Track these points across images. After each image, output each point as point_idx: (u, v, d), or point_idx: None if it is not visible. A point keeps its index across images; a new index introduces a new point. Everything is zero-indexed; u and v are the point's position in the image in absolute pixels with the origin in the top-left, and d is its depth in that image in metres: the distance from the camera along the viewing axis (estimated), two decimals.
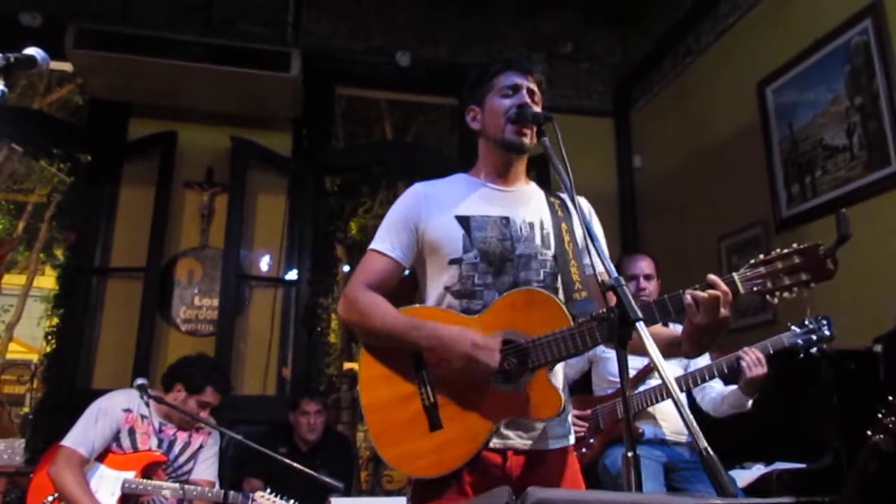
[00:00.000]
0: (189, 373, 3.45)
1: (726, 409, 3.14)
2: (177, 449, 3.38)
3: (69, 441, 3.17)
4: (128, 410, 3.32)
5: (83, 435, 3.19)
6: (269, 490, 3.21)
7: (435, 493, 1.81)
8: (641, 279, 3.46)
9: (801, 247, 1.65)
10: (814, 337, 2.79)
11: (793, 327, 2.86)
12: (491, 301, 1.86)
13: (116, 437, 3.27)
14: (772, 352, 2.91)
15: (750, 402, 3.02)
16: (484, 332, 1.82)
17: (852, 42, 3.75)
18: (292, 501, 3.20)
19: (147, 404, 3.37)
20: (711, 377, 3.06)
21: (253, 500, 3.18)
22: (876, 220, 3.54)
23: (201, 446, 3.47)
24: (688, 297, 1.66)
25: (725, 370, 2.98)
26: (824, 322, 2.80)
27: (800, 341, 2.82)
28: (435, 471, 1.80)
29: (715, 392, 3.26)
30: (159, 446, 3.34)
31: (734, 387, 3.08)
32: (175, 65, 4.74)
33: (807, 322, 2.82)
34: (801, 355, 2.83)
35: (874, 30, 3.60)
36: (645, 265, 3.51)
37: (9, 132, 5.33)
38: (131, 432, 3.30)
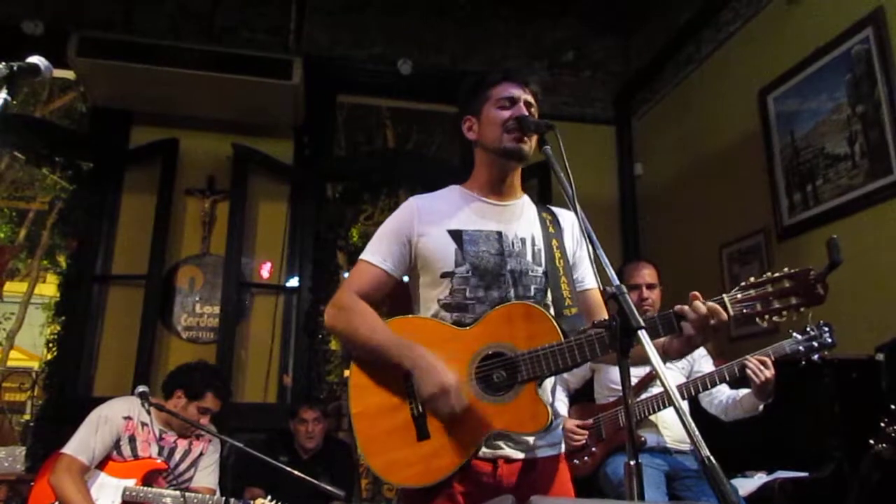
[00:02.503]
0: (189, 379, 3.46)
1: (739, 412, 3.12)
2: (177, 456, 3.38)
3: (70, 449, 3.17)
4: (128, 418, 3.32)
5: (83, 443, 3.19)
6: (269, 497, 3.21)
7: (424, 502, 1.80)
8: (644, 289, 3.44)
9: (792, 271, 1.65)
10: (815, 344, 2.78)
11: (794, 334, 2.85)
12: (482, 315, 1.87)
13: (117, 445, 3.27)
14: (773, 358, 2.89)
15: (762, 406, 3.00)
16: (474, 345, 1.84)
17: (853, 51, 3.75)
18: None
19: (148, 412, 3.37)
20: (714, 384, 3.05)
21: None
22: (877, 229, 3.54)
23: (202, 454, 3.47)
24: (688, 326, 1.66)
25: (727, 377, 2.97)
26: (825, 329, 2.79)
27: (801, 348, 2.80)
28: (421, 481, 1.79)
29: (724, 395, 3.23)
30: (160, 454, 3.33)
31: (747, 390, 3.06)
32: (177, 72, 4.75)
33: (808, 329, 2.81)
34: (803, 362, 2.82)
35: (875, 38, 3.60)
36: (647, 274, 3.49)
37: (11, 140, 5.34)
38: (132, 440, 3.30)
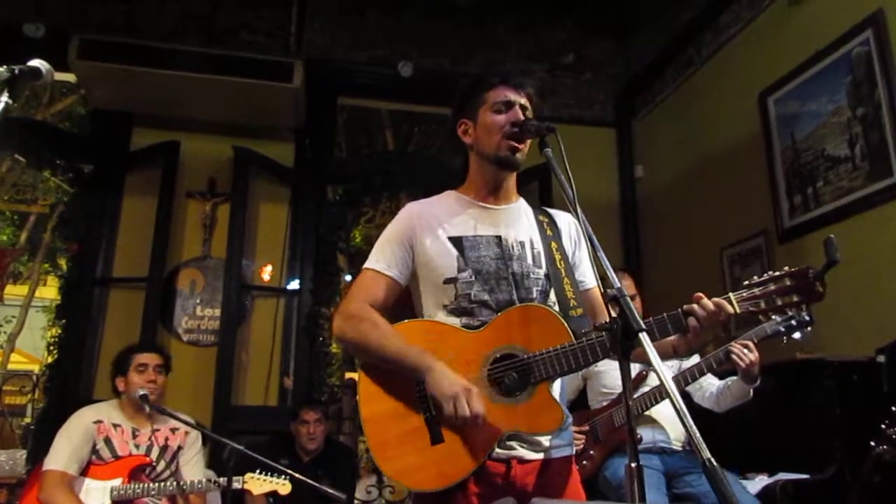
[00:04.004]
0: (115, 364, 3.49)
1: (730, 400, 3.17)
2: (155, 452, 3.37)
3: (52, 464, 3.16)
4: (98, 422, 3.32)
5: (63, 455, 3.18)
6: (258, 471, 3.26)
7: (439, 503, 1.81)
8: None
9: (792, 270, 1.71)
10: (794, 322, 2.81)
11: (773, 316, 2.88)
12: (489, 318, 1.88)
13: (94, 450, 3.27)
14: (756, 341, 2.96)
15: (751, 391, 3.05)
16: (485, 347, 1.85)
17: (854, 53, 3.75)
18: (283, 477, 3.22)
19: (150, 413, 3.37)
20: (702, 373, 3.10)
21: (244, 482, 3.23)
22: (878, 231, 3.54)
23: (180, 447, 3.46)
24: (692, 320, 1.71)
25: (714, 364, 3.03)
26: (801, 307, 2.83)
27: (782, 328, 2.84)
28: (436, 484, 1.79)
29: (714, 387, 3.30)
30: (137, 450, 3.34)
31: (735, 378, 3.11)
32: (178, 75, 4.75)
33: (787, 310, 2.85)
34: (785, 340, 2.86)
35: (875, 41, 3.61)
36: (627, 285, 3.49)
37: (12, 143, 5.35)
38: (107, 441, 3.30)
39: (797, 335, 2.83)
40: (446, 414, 1.75)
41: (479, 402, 1.74)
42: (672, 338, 1.80)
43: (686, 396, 3.32)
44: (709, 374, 3.18)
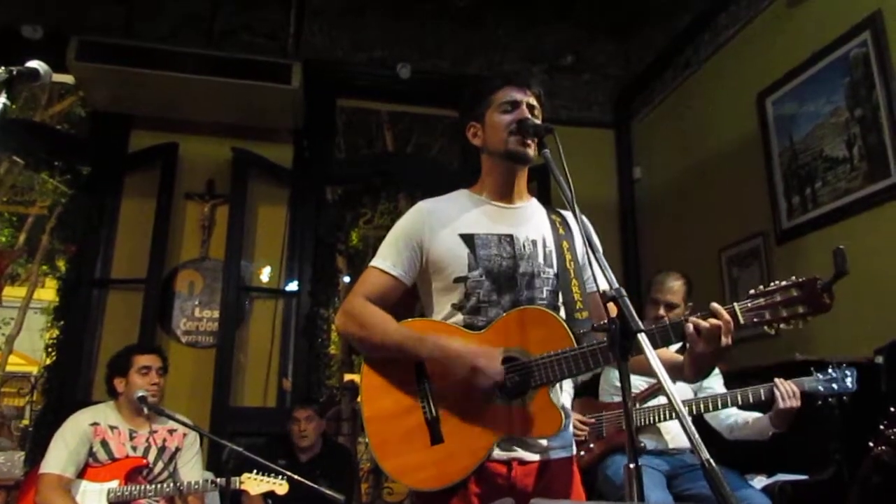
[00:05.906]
0: (113, 364, 3.47)
1: (747, 433, 3.08)
2: (153, 454, 3.36)
3: (49, 467, 3.15)
4: (95, 424, 3.31)
5: (60, 458, 3.17)
6: (255, 471, 3.25)
7: (439, 503, 1.81)
8: (662, 308, 3.37)
9: (799, 280, 1.66)
10: (835, 386, 2.75)
11: (816, 374, 2.81)
12: (494, 317, 1.88)
13: (91, 453, 3.26)
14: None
15: (771, 433, 2.94)
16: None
17: (852, 54, 3.76)
18: (280, 477, 3.22)
19: (146, 415, 3.37)
20: (718, 407, 3.02)
21: (241, 482, 3.23)
22: (876, 231, 3.55)
23: (178, 449, 3.45)
24: (689, 327, 1.67)
25: (751, 400, 2.91)
26: (847, 373, 2.75)
27: (820, 388, 2.77)
28: (435, 483, 1.81)
29: (732, 417, 3.18)
30: (134, 452, 3.33)
31: (759, 414, 3.02)
32: (176, 77, 4.75)
33: (830, 371, 2.79)
34: (819, 402, 2.80)
35: (873, 42, 3.61)
36: (674, 288, 3.40)
37: (10, 144, 5.34)
38: (104, 444, 3.29)
39: (831, 401, 2.78)
40: (477, 385, 1.78)
41: (495, 367, 1.77)
42: (679, 359, 1.79)
43: (700, 420, 3.22)
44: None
